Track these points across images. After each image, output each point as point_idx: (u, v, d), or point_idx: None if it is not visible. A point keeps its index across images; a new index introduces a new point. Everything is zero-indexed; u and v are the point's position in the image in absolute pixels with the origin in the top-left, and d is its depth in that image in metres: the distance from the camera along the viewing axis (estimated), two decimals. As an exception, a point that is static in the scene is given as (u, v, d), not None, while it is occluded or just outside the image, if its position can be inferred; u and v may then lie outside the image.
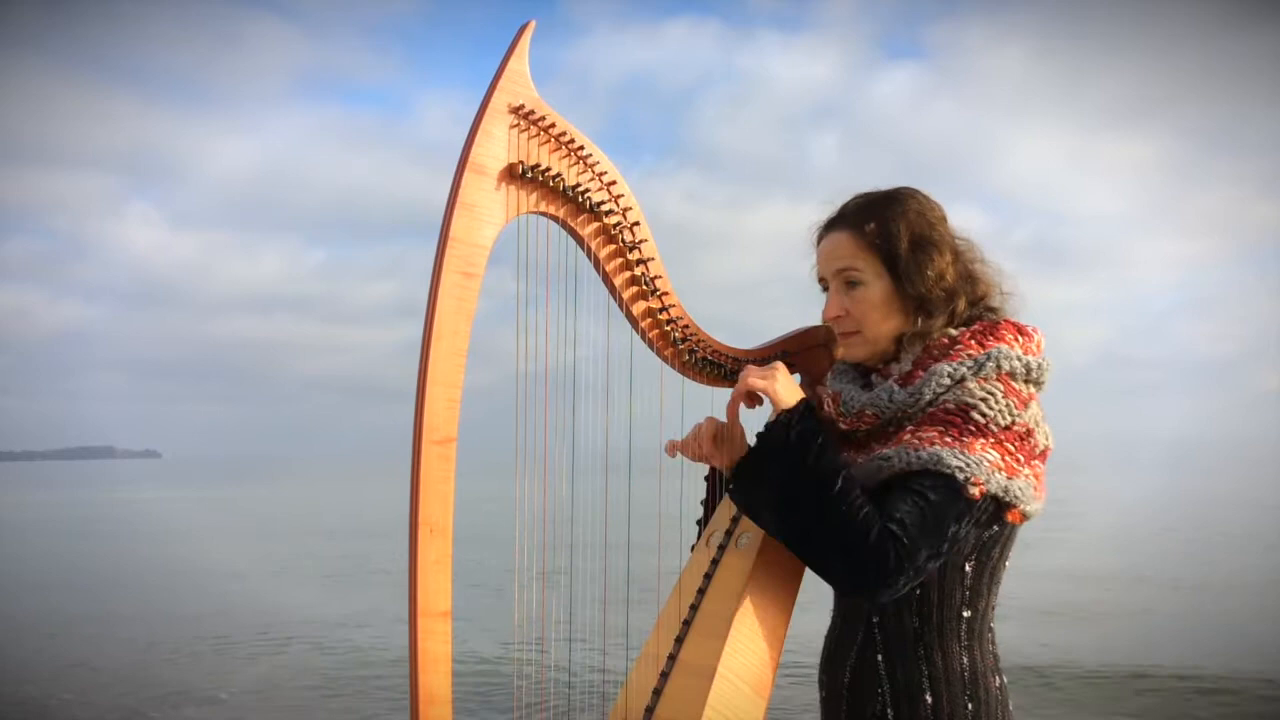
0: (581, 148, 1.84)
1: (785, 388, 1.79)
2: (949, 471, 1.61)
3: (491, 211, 1.75)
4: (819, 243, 1.89)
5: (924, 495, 1.62)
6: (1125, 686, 8.85)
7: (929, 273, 1.75)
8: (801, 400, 1.77)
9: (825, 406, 1.90)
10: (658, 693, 1.84)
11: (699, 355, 1.98)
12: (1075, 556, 16.52)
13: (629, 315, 1.93)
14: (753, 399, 1.83)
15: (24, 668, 10.32)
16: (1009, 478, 1.65)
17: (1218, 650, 10.01)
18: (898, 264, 1.76)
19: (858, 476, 1.75)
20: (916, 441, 1.66)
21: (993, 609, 1.76)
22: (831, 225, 1.85)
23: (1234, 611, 12.14)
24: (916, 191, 1.83)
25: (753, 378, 1.80)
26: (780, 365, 1.83)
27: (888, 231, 1.77)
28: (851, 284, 1.81)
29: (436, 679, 1.67)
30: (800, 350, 2.06)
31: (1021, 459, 1.67)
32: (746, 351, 2.03)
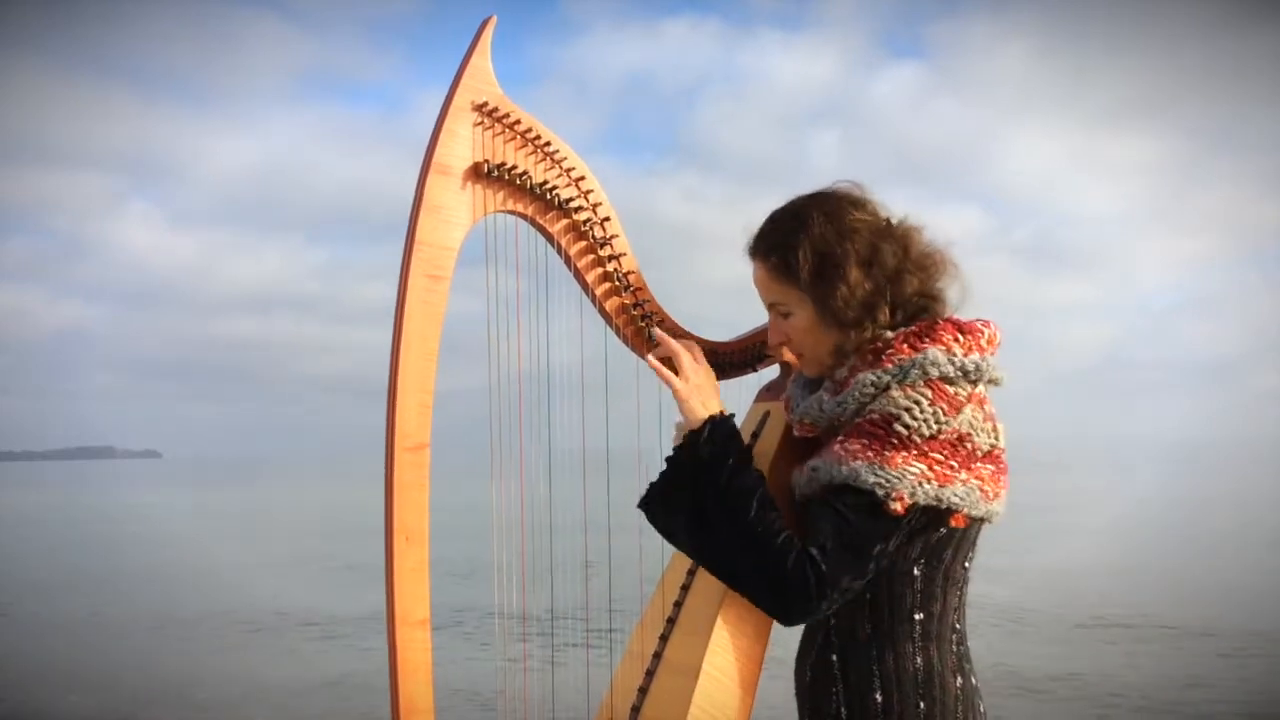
0: (548, 144, 1.81)
1: (699, 397, 1.77)
2: (867, 488, 1.61)
3: (458, 213, 1.73)
4: None
5: (844, 517, 1.63)
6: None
7: (837, 298, 1.71)
8: (710, 417, 1.75)
9: (785, 410, 1.89)
10: (643, 691, 1.83)
11: (675, 350, 1.96)
12: (1074, 556, 16.52)
13: (603, 312, 1.91)
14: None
15: (24, 667, 10.33)
16: (941, 485, 1.63)
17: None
18: (808, 293, 1.74)
19: (798, 486, 1.75)
20: (843, 453, 1.66)
21: (955, 610, 1.74)
22: (750, 252, 1.82)
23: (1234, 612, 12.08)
24: (825, 197, 1.77)
25: (664, 368, 1.79)
26: (698, 369, 1.80)
27: (788, 264, 1.74)
28: (783, 314, 1.80)
29: (417, 688, 1.65)
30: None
31: (956, 465, 1.65)
32: (723, 344, 2.01)
